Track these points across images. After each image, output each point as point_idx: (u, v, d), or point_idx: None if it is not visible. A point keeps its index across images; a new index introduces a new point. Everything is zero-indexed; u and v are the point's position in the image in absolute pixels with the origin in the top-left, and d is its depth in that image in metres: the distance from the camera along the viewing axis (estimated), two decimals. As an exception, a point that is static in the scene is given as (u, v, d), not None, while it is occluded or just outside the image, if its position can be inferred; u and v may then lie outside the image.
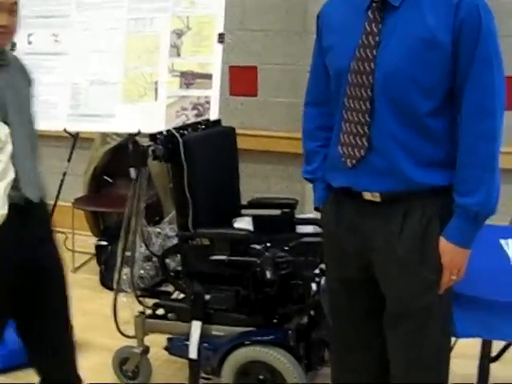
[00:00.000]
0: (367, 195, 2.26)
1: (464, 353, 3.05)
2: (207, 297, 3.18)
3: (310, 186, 4.28)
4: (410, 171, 2.19)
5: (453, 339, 2.48)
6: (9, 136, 2.34)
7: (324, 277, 3.10)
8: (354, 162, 2.23)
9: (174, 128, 3.29)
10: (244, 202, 3.63)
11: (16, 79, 2.76)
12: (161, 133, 3.21)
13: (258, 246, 3.14)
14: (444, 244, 2.21)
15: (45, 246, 2.80)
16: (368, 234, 2.28)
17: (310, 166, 2.49)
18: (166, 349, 3.34)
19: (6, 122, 2.56)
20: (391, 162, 2.19)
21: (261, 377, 3.12)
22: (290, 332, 3.08)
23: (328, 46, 2.33)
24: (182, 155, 3.15)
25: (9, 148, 2.33)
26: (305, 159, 2.53)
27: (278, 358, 3.06)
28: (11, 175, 2.33)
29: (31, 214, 2.72)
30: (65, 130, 4.25)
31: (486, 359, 2.86)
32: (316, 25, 2.42)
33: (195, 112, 3.97)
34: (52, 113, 4.24)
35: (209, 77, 4.00)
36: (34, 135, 2.84)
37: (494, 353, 2.99)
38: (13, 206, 2.57)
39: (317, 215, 3.80)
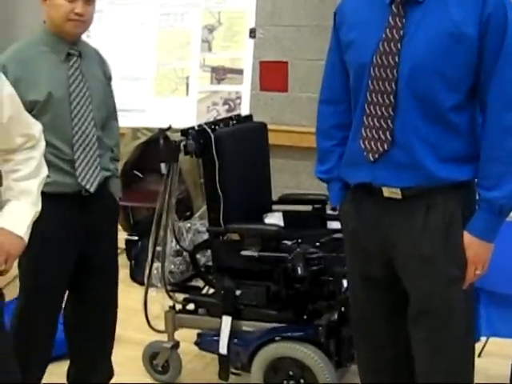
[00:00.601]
0: (387, 191, 2.25)
1: (497, 352, 3.03)
2: (237, 292, 3.18)
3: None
4: (432, 166, 2.18)
5: (483, 338, 2.46)
6: (42, 133, 2.35)
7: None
8: (376, 156, 2.22)
9: (206, 123, 3.30)
10: (274, 197, 3.62)
11: (90, 71, 2.78)
12: (192, 128, 3.22)
13: (288, 242, 3.13)
14: (468, 238, 2.20)
15: (101, 238, 2.82)
16: (389, 230, 2.27)
17: (325, 165, 2.48)
18: (196, 344, 3.34)
19: (71, 111, 2.60)
20: (413, 157, 2.19)
21: (290, 373, 3.12)
22: (320, 328, 3.07)
23: (349, 41, 2.31)
24: (214, 150, 3.16)
25: (42, 145, 2.35)
26: (319, 158, 2.52)
27: (309, 355, 3.06)
28: (45, 172, 2.34)
29: (90, 203, 2.75)
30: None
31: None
32: (333, 22, 2.40)
33: (226, 107, 3.97)
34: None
35: (240, 72, 4.00)
36: (102, 125, 2.83)
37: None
38: (70, 195, 2.62)
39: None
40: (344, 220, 2.45)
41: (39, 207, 2.28)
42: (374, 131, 2.22)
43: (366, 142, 2.24)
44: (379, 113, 2.20)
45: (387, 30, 2.18)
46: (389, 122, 2.19)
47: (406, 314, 2.33)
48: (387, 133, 2.20)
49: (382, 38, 2.19)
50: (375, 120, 2.22)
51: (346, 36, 2.33)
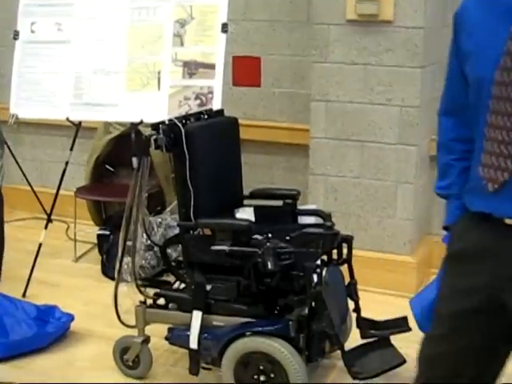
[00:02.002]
0: (509, 221, 2.02)
1: None
2: (208, 287, 3.18)
3: (312, 177, 4.37)
4: None
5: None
6: None
7: (326, 268, 3.13)
8: (496, 186, 1.99)
9: (177, 117, 3.28)
10: (246, 192, 3.62)
11: None
12: (163, 122, 3.21)
13: (259, 237, 3.13)
14: None
15: None
16: (507, 259, 2.03)
17: (444, 181, 2.27)
18: (167, 338, 3.33)
19: None
20: None
21: (261, 367, 3.12)
22: (290, 323, 3.07)
23: (467, 51, 2.06)
24: (184, 145, 3.15)
25: None
26: (438, 173, 2.31)
27: (279, 349, 3.06)
28: None
29: None
30: (67, 119, 4.24)
31: None
32: (453, 24, 2.15)
33: (198, 102, 3.95)
34: (54, 102, 4.23)
35: (212, 67, 3.99)
36: None
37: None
38: None
39: (318, 206, 3.83)
40: (454, 242, 2.19)
41: None
42: (493, 158, 1.98)
43: (486, 170, 2.01)
44: (500, 137, 1.95)
45: (509, 41, 1.92)
46: (510, 148, 1.94)
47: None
48: (508, 161, 1.95)
49: (504, 50, 1.93)
50: (495, 145, 1.97)
51: (464, 45, 2.07)
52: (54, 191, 4.53)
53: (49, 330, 3.71)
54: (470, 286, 2.09)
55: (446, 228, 2.29)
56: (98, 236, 4.76)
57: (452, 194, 2.25)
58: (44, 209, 5.08)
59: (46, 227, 4.50)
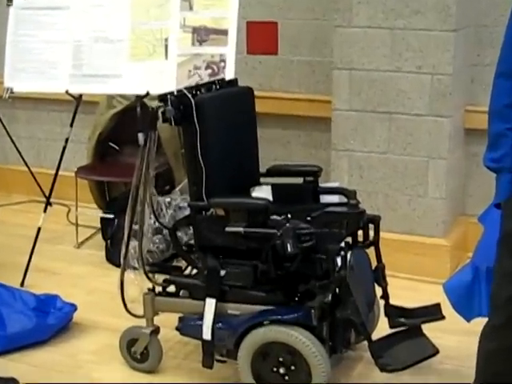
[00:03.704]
0: None
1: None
2: (222, 272, 3.19)
3: (335, 153, 4.38)
4: None
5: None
6: None
7: (351, 251, 3.14)
8: None
9: (186, 88, 3.29)
10: (263, 170, 3.63)
11: None
12: (171, 93, 3.21)
13: (277, 217, 3.14)
14: None
15: None
16: None
17: (496, 152, 2.25)
18: (178, 329, 3.35)
19: None
20: None
21: (280, 359, 3.14)
22: (312, 311, 3.08)
23: None
24: (195, 117, 3.15)
25: None
26: (489, 143, 2.29)
27: (300, 339, 3.07)
28: None
29: None
30: (67, 92, 4.26)
31: None
32: None
33: (209, 71, 3.97)
34: (52, 73, 4.26)
35: (224, 33, 3.99)
36: None
37: None
38: None
39: (342, 184, 3.84)
40: (508, 219, 2.20)
41: None
42: None
43: None
44: None
45: None
46: None
47: None
48: None
49: None
50: None
51: None
52: (53, 172, 4.55)
53: (49, 322, 3.74)
54: None
55: (497, 205, 2.26)
56: (102, 219, 4.79)
57: (504, 167, 2.22)
58: (42, 191, 5.12)
59: (44, 211, 4.53)
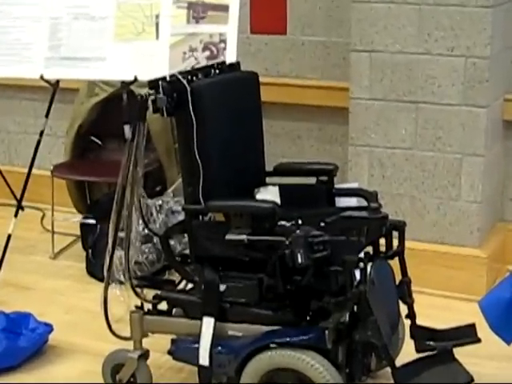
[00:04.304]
0: None
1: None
2: (222, 287, 3.20)
3: (353, 149, 4.38)
4: None
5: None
6: None
7: (372, 262, 3.14)
8: None
9: (180, 73, 3.30)
10: (269, 168, 3.64)
11: None
12: (163, 79, 3.22)
13: (286, 223, 3.14)
14: None
15: None
16: None
17: None
18: (170, 353, 3.36)
19: None
20: None
21: (290, 388, 3.16)
22: (326, 332, 3.09)
23: None
24: (191, 106, 3.16)
25: None
26: None
27: (312, 365, 3.07)
28: None
29: None
30: (42, 78, 4.27)
31: None
32: None
33: (207, 53, 3.98)
34: (25, 55, 4.27)
35: (224, 9, 4.01)
36: None
37: None
38: None
39: (361, 185, 3.84)
40: None
41: None
42: None
43: None
44: None
45: None
46: None
47: None
48: None
49: None
50: None
51: None
52: (26, 170, 4.56)
53: (21, 345, 3.74)
54: None
55: None
56: (82, 226, 4.81)
57: None
58: (13, 193, 5.12)
59: (15, 216, 4.55)
